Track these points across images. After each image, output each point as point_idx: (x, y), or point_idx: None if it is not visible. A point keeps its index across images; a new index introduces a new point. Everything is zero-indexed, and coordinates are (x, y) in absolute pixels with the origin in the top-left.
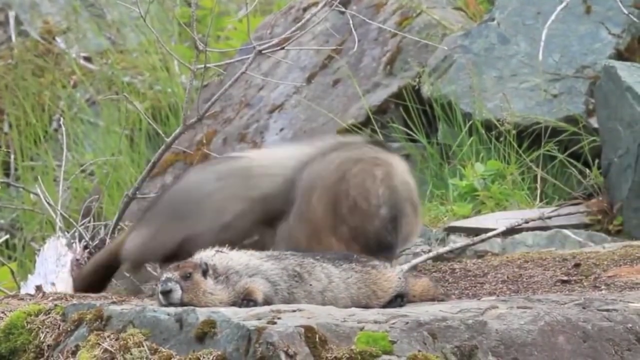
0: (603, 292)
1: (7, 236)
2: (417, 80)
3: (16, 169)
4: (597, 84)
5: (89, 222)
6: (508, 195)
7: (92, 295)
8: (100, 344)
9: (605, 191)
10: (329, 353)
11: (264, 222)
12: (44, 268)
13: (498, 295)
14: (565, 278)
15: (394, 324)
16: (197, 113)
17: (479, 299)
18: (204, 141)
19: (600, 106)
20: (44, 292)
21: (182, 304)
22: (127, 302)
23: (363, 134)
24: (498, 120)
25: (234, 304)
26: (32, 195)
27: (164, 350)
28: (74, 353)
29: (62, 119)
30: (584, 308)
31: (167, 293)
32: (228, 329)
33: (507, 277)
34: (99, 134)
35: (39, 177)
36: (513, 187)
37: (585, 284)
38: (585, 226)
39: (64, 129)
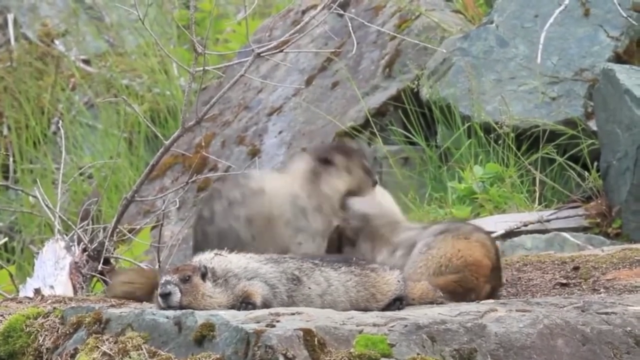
0: (602, 295)
1: (6, 239)
2: (416, 83)
3: (15, 172)
4: (595, 86)
5: (88, 225)
6: (507, 198)
7: (91, 298)
8: (99, 347)
9: (604, 194)
10: (328, 356)
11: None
12: (43, 271)
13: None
14: (564, 281)
15: (392, 327)
16: (195, 116)
17: (478, 302)
18: (203, 144)
19: (598, 109)
20: (42, 295)
21: (181, 307)
22: (126, 305)
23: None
24: (497, 123)
25: (232, 307)
26: (30, 198)
27: (162, 353)
28: (72, 356)
29: (61, 121)
30: (582, 311)
31: (166, 296)
32: (227, 332)
33: (506, 280)
34: (97, 137)
35: (37, 180)
36: (512, 190)
37: (584, 287)
38: (584, 229)
39: (62, 131)
